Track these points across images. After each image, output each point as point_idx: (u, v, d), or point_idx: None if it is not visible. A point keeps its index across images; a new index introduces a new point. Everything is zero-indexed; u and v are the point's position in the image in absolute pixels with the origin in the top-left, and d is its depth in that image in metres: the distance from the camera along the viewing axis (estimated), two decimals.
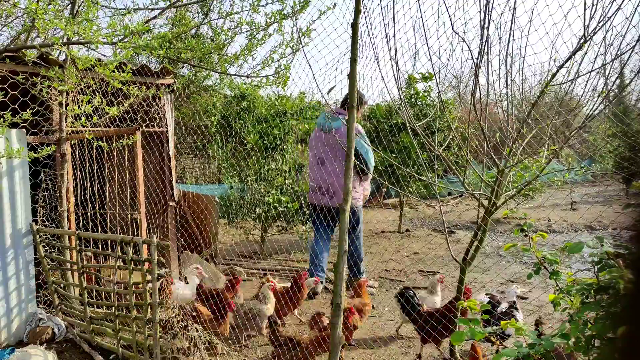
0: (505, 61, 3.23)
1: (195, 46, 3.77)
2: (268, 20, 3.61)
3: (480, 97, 3.47)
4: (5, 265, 4.42)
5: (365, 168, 5.38)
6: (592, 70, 3.08)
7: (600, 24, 2.92)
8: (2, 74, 4.25)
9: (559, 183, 10.67)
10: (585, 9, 2.90)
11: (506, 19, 3.15)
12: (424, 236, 9.41)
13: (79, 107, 4.11)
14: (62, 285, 4.70)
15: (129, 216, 5.20)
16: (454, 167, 3.95)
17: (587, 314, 2.01)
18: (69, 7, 4.36)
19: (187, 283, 4.92)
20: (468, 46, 3.26)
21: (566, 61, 3.11)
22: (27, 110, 3.85)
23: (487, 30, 3.17)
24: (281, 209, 7.30)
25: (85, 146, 5.15)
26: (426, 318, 3.93)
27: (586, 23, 2.94)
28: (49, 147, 4.23)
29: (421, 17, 3.16)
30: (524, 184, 3.80)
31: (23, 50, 3.85)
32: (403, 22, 3.33)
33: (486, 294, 4.61)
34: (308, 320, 4.20)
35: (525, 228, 2.56)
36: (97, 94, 4.33)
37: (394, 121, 8.26)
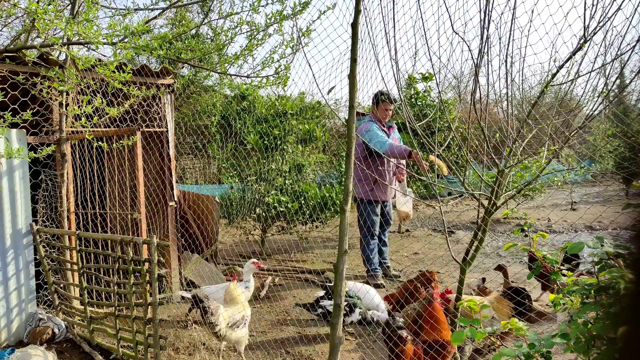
0: (505, 61, 3.23)
1: (195, 46, 3.77)
2: (268, 21, 3.61)
3: (480, 97, 3.47)
4: (6, 265, 4.42)
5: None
6: (592, 71, 3.08)
7: (600, 24, 2.92)
8: (2, 74, 4.25)
9: (559, 183, 10.67)
10: (585, 9, 2.90)
11: (506, 19, 3.16)
12: (424, 236, 9.41)
13: (79, 107, 4.11)
14: (62, 286, 4.70)
15: (129, 216, 5.20)
16: (453, 167, 3.95)
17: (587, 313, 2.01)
18: (69, 7, 4.37)
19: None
20: (468, 46, 3.26)
21: (566, 61, 3.11)
22: (27, 110, 3.85)
23: (487, 30, 3.17)
24: (281, 209, 7.30)
25: (85, 146, 5.15)
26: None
27: (586, 23, 2.94)
28: (49, 147, 4.23)
29: (421, 17, 3.16)
30: (524, 184, 3.80)
31: (23, 50, 3.85)
32: (403, 22, 3.34)
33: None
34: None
35: (526, 228, 2.56)
36: (97, 94, 4.33)
37: (394, 121, 8.25)
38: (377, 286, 5.84)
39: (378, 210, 6.16)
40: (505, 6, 3.15)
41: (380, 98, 5.98)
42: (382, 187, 6.02)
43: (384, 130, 6.08)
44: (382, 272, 6.37)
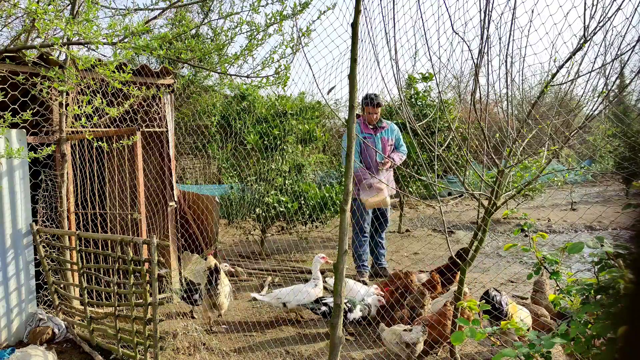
0: (505, 61, 3.23)
1: (195, 46, 3.77)
2: (268, 21, 3.60)
3: (480, 97, 3.47)
4: (6, 265, 4.42)
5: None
6: (592, 71, 3.08)
7: (600, 24, 2.92)
8: (2, 74, 4.25)
9: (559, 183, 10.67)
10: (585, 9, 2.90)
11: (506, 19, 3.15)
12: (424, 236, 9.41)
13: (79, 107, 4.11)
14: (62, 286, 4.70)
15: (129, 216, 5.20)
16: (454, 167, 3.95)
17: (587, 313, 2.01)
18: (69, 7, 4.37)
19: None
20: (468, 46, 3.26)
21: (566, 61, 3.11)
22: (27, 110, 3.85)
23: (487, 30, 3.17)
24: (281, 209, 7.30)
25: (85, 146, 5.15)
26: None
27: (586, 23, 2.94)
28: (49, 148, 4.23)
29: (421, 17, 3.16)
30: (524, 184, 3.80)
31: (23, 50, 3.85)
32: (403, 22, 3.33)
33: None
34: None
35: (525, 228, 2.56)
36: (97, 94, 4.33)
37: (394, 121, 8.26)
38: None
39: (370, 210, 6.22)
40: (505, 6, 3.15)
41: (364, 102, 6.04)
42: (366, 187, 6.02)
43: (369, 133, 6.14)
44: (381, 272, 6.43)
